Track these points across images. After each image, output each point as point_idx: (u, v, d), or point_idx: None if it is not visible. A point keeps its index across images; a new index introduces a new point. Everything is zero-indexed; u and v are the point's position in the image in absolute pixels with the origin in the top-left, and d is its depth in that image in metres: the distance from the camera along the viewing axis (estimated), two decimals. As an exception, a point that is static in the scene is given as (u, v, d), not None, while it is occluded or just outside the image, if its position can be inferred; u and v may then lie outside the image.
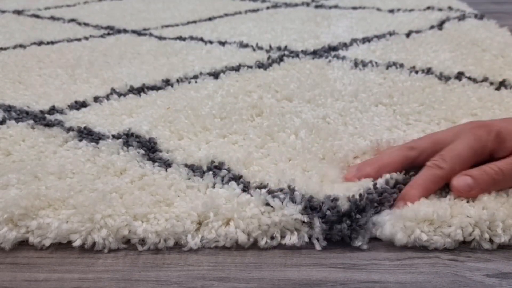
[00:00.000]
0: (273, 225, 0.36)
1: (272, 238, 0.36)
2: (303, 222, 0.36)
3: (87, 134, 0.49)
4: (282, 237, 0.36)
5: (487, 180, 0.36)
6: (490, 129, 0.37)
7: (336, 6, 1.02)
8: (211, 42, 0.79)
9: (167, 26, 0.91)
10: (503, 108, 0.52)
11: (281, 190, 0.38)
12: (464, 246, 0.35)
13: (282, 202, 0.36)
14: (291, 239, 0.36)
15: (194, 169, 0.43)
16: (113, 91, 0.60)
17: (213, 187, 0.40)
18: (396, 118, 0.51)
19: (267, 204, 0.37)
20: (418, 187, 0.37)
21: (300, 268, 0.34)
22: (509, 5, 1.07)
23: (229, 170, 0.42)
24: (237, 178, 0.41)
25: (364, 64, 0.66)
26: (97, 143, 0.47)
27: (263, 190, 0.38)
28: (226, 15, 0.98)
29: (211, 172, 0.42)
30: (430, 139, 0.40)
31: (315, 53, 0.71)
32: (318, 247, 0.35)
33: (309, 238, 0.36)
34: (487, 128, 0.37)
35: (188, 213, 0.37)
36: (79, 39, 0.83)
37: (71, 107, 0.56)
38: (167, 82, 0.62)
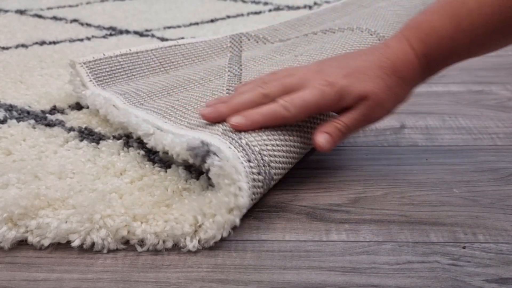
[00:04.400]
0: (230, 186, 0.36)
1: (240, 189, 0.36)
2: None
3: (88, 135, 0.49)
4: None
5: (339, 135, 0.41)
6: (334, 87, 0.41)
7: (338, 9, 1.02)
8: (213, 44, 0.79)
9: (169, 27, 0.91)
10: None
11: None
12: (464, 251, 0.35)
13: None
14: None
15: (192, 170, 0.43)
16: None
17: (208, 188, 0.40)
18: None
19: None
20: (261, 117, 0.41)
21: (299, 271, 0.34)
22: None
23: None
24: None
25: None
26: (98, 143, 0.47)
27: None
28: (228, 17, 0.98)
29: (205, 174, 0.42)
30: (281, 85, 0.42)
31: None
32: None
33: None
34: (331, 87, 0.41)
35: (185, 216, 0.37)
36: (81, 40, 0.83)
37: (72, 107, 0.56)
38: (168, 83, 0.62)
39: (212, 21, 0.95)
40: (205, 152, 0.37)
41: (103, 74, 0.55)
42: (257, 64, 0.60)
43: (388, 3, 0.81)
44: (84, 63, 0.55)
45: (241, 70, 0.57)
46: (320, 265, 0.34)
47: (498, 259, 0.35)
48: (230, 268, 0.34)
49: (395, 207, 0.41)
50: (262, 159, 0.39)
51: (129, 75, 0.57)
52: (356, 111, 0.41)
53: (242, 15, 0.99)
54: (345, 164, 0.47)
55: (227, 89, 0.51)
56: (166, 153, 0.46)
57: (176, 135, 0.40)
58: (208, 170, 0.37)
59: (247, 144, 0.39)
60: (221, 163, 0.36)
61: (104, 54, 0.57)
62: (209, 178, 0.41)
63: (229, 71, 0.57)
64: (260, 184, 0.38)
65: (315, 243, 0.37)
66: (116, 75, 0.56)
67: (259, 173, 0.38)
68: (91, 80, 0.54)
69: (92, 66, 0.55)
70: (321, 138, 0.41)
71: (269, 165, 0.39)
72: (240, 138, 0.40)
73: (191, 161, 0.38)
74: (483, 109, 0.58)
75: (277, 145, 0.41)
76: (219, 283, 0.33)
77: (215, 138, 0.39)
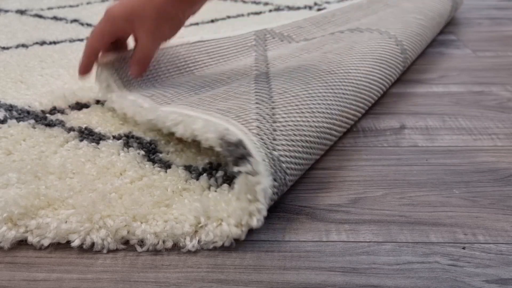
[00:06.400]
0: (251, 203, 0.36)
1: (259, 211, 0.36)
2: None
3: (88, 135, 0.49)
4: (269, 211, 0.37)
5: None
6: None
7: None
8: (213, 44, 0.79)
9: (169, 27, 0.91)
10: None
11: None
12: (464, 251, 0.35)
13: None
14: (260, 190, 0.36)
15: (191, 170, 0.43)
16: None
17: (208, 189, 0.40)
18: None
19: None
20: None
21: (299, 271, 0.34)
22: (511, 11, 1.07)
23: (225, 172, 0.42)
24: (231, 180, 0.41)
25: None
26: (98, 143, 0.47)
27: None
28: (229, 17, 0.98)
29: (205, 174, 0.42)
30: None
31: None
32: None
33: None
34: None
35: (186, 216, 0.37)
36: (81, 40, 0.83)
37: (72, 107, 0.56)
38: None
39: (212, 21, 0.95)
40: (240, 155, 0.36)
41: (128, 74, 0.53)
42: (284, 62, 0.59)
43: (413, 6, 0.81)
44: (110, 62, 0.53)
45: (268, 68, 0.56)
46: (320, 265, 0.34)
47: (498, 259, 0.35)
48: (230, 268, 0.34)
49: (395, 207, 0.41)
50: (285, 179, 0.38)
51: (154, 74, 0.55)
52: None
53: (243, 15, 0.99)
54: (345, 165, 0.47)
55: (254, 82, 0.50)
56: (166, 153, 0.46)
57: (207, 121, 0.40)
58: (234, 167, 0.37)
59: (278, 159, 0.38)
60: (254, 180, 0.36)
61: (130, 53, 0.54)
62: (209, 177, 0.41)
63: (256, 70, 0.57)
64: (272, 203, 0.38)
65: (315, 243, 0.37)
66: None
67: (277, 194, 0.38)
68: (116, 81, 0.53)
69: (118, 66, 0.53)
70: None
71: (286, 185, 0.39)
72: (274, 150, 0.39)
73: (218, 149, 0.38)
74: (483, 110, 0.58)
75: (300, 164, 0.41)
76: (219, 283, 0.33)
77: (252, 141, 0.38)
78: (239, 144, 0.37)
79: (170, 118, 0.43)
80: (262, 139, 0.39)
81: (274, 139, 0.39)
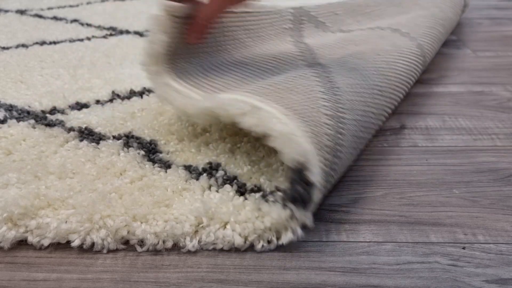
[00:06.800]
0: (267, 230, 0.36)
1: (269, 241, 0.36)
2: (291, 216, 0.36)
3: (88, 135, 0.49)
4: (278, 238, 0.36)
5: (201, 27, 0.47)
6: None
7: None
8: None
9: (169, 27, 0.91)
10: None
11: (272, 192, 0.39)
12: (464, 251, 0.35)
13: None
14: (286, 237, 0.36)
15: (191, 170, 0.43)
16: (114, 93, 0.60)
17: (209, 189, 0.40)
18: None
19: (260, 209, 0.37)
20: None
21: (299, 271, 0.34)
22: (511, 11, 1.07)
23: (225, 172, 0.42)
24: (231, 180, 0.41)
25: None
26: (98, 143, 0.47)
27: (257, 194, 0.39)
28: (229, 17, 0.98)
29: (205, 174, 0.42)
30: None
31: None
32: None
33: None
34: None
35: (186, 216, 0.37)
36: (81, 40, 0.83)
37: (72, 107, 0.56)
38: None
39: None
40: (304, 199, 0.35)
41: (178, 36, 0.46)
42: (331, 52, 0.58)
43: (440, 16, 0.79)
44: (172, 16, 0.45)
45: (315, 59, 0.54)
46: (320, 265, 0.34)
47: (498, 259, 0.35)
48: (230, 268, 0.34)
49: (394, 207, 0.41)
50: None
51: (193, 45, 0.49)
52: None
53: (243, 15, 0.99)
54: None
55: (316, 75, 0.46)
56: (166, 153, 0.46)
57: (287, 128, 0.36)
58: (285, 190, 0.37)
59: (315, 203, 0.37)
60: (291, 225, 0.36)
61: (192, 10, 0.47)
62: (209, 177, 0.41)
63: (301, 59, 0.55)
64: None
65: (315, 243, 0.37)
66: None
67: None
68: (165, 48, 0.45)
69: (176, 29, 0.46)
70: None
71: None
72: (321, 192, 0.37)
73: (288, 165, 0.36)
74: (483, 110, 0.58)
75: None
76: (219, 283, 0.33)
77: (317, 188, 0.36)
78: (311, 187, 0.35)
79: (237, 107, 0.38)
80: (322, 179, 0.36)
81: (327, 181, 0.38)
